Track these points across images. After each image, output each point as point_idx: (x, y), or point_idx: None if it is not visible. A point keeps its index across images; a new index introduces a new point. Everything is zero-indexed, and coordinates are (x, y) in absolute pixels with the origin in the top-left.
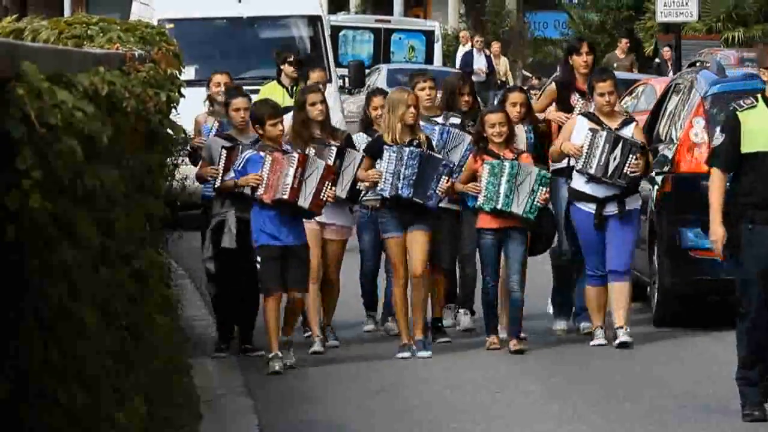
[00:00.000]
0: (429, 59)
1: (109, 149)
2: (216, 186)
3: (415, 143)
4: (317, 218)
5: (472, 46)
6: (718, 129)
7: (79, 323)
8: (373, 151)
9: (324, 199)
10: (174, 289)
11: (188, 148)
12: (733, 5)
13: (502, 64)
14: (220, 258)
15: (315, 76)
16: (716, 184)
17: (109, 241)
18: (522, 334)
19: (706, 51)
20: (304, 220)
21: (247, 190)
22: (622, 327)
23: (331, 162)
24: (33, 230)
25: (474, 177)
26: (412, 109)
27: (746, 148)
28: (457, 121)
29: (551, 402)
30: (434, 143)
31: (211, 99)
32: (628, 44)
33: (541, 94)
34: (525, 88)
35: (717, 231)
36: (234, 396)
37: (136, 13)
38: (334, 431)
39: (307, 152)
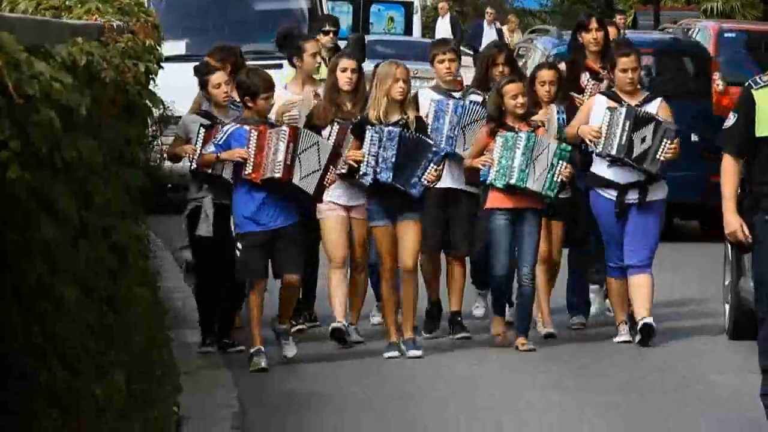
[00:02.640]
0: (408, 31)
1: (87, 120)
2: (192, 167)
3: (401, 123)
4: (340, 201)
5: (484, 19)
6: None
7: (59, 298)
8: (358, 131)
9: (327, 184)
10: (153, 261)
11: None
12: None
13: (517, 40)
14: (197, 247)
15: (309, 46)
16: (728, 171)
17: (88, 214)
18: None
19: (686, 21)
20: (329, 207)
21: (227, 174)
22: (645, 317)
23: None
24: (11, 203)
25: (484, 154)
26: (401, 84)
27: (761, 131)
28: (478, 99)
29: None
30: (447, 119)
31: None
32: (623, 21)
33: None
34: None
35: (731, 221)
36: (213, 369)
37: None
38: (315, 400)
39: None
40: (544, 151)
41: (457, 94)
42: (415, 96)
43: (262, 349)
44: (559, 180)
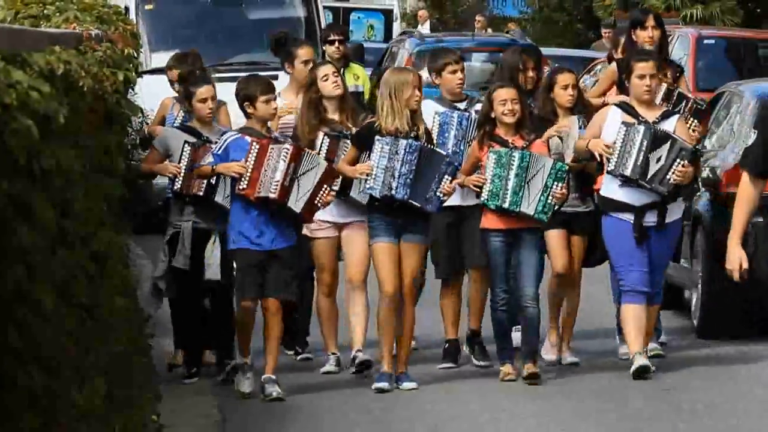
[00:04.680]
0: (388, 39)
1: (65, 129)
2: (175, 187)
3: (412, 135)
4: (333, 218)
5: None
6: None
7: (38, 305)
8: (364, 140)
9: (319, 205)
10: (133, 269)
11: (146, 133)
12: None
13: None
14: (175, 275)
15: (302, 53)
16: (743, 194)
17: (67, 222)
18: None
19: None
20: (319, 225)
21: (219, 197)
22: (640, 352)
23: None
24: None
25: (478, 168)
26: (417, 92)
27: None
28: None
29: None
30: (452, 133)
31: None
32: (610, 34)
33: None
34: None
35: (734, 253)
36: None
37: None
38: (295, 408)
39: (301, 144)
40: (540, 170)
41: (461, 105)
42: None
43: (248, 362)
44: (553, 203)
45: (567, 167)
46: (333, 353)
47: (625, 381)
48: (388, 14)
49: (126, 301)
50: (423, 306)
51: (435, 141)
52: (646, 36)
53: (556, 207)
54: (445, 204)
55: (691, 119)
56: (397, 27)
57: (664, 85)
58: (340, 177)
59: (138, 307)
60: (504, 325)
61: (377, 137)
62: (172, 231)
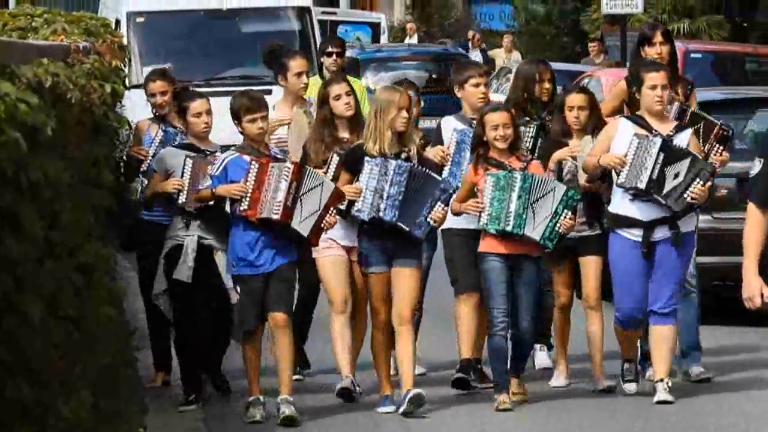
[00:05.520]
0: None
1: (53, 141)
2: (180, 201)
3: (403, 156)
4: (341, 241)
5: (468, 41)
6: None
7: (26, 317)
8: (352, 163)
9: (325, 227)
10: (120, 281)
11: (123, 157)
12: None
13: (514, 60)
14: (176, 291)
15: (295, 65)
16: (752, 223)
17: (55, 234)
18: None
19: None
20: (328, 244)
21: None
22: (662, 380)
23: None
24: None
25: (474, 194)
26: (404, 114)
27: None
28: None
29: None
30: (468, 152)
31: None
32: (597, 47)
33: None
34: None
35: (751, 284)
36: (179, 388)
37: (104, 5)
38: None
39: (302, 161)
40: (549, 194)
41: None
42: (438, 126)
43: (261, 399)
44: (560, 230)
45: (579, 196)
46: (347, 376)
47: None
48: (375, 27)
49: (113, 313)
50: (433, 329)
51: (451, 160)
52: (654, 53)
53: (563, 234)
54: (459, 226)
55: (717, 145)
56: (384, 40)
57: (677, 104)
58: (346, 198)
59: (124, 319)
60: (502, 350)
61: (366, 158)
62: (172, 244)
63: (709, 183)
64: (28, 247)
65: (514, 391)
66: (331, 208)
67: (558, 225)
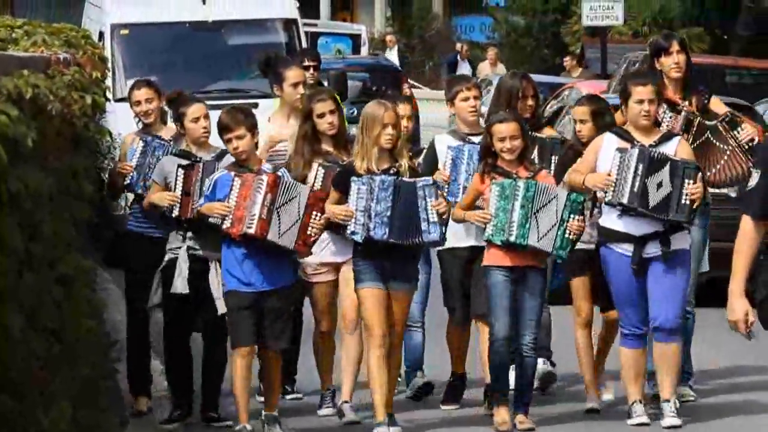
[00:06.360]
0: None
1: (33, 152)
2: (175, 214)
3: (392, 171)
4: (332, 258)
5: (458, 53)
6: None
7: (5, 329)
8: (342, 183)
9: (313, 234)
10: (100, 293)
11: (115, 174)
12: (659, 9)
13: (497, 73)
14: (170, 305)
15: (292, 75)
16: (745, 237)
17: (35, 246)
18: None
19: (633, 54)
20: (325, 259)
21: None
22: (669, 401)
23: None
24: None
25: (478, 200)
26: (389, 130)
27: None
28: None
29: None
30: (463, 168)
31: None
32: (570, 62)
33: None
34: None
35: (735, 307)
36: (159, 400)
37: (88, 17)
38: None
39: (280, 173)
40: (552, 202)
41: (476, 139)
42: (432, 145)
43: (248, 427)
44: (570, 237)
45: (583, 198)
46: (328, 389)
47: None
48: (355, 39)
49: (93, 325)
50: (435, 348)
51: (448, 178)
52: (671, 62)
53: (574, 240)
54: (459, 245)
55: (734, 131)
56: (364, 52)
57: (684, 113)
58: (326, 200)
59: (105, 331)
60: (503, 365)
61: (353, 179)
62: (169, 257)
63: (699, 177)
64: (8, 259)
65: (520, 420)
66: (314, 212)
67: (567, 232)
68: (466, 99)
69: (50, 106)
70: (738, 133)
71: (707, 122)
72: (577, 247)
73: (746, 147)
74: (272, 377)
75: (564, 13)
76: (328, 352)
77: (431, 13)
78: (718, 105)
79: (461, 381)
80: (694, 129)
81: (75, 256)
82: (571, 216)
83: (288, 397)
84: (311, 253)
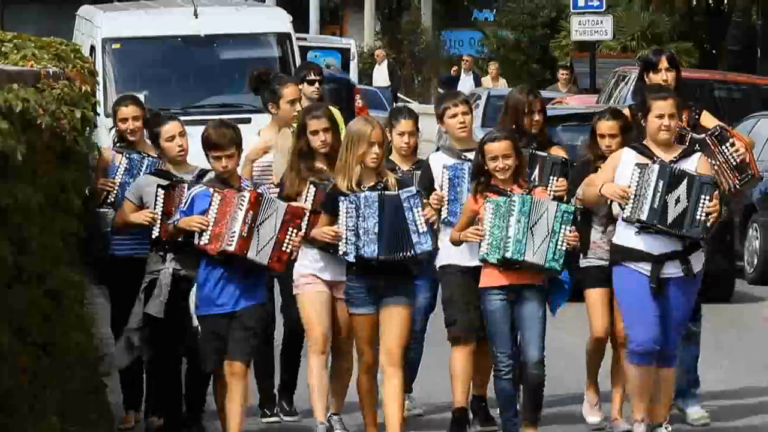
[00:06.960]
0: None
1: (23, 166)
2: (154, 235)
3: (379, 187)
4: (323, 276)
5: (460, 67)
6: None
7: None
8: (330, 204)
9: (288, 251)
10: (89, 307)
11: (96, 189)
12: (647, 24)
13: (499, 87)
14: (151, 326)
15: (288, 92)
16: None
17: (24, 259)
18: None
19: (621, 69)
20: (309, 280)
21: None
22: (661, 425)
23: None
24: None
25: (474, 222)
26: (376, 149)
27: None
28: None
29: None
30: (465, 186)
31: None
32: (566, 75)
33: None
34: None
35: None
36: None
37: (80, 31)
38: None
39: (261, 190)
40: (543, 214)
41: (472, 155)
42: (426, 164)
43: None
44: (564, 248)
45: (573, 208)
46: (321, 423)
47: None
48: (345, 53)
49: (82, 338)
50: (430, 367)
51: (446, 198)
52: (659, 79)
53: (568, 253)
54: (461, 264)
55: (721, 147)
56: (354, 66)
57: (676, 129)
58: (306, 215)
59: (93, 345)
60: (510, 394)
61: (340, 198)
62: (149, 278)
63: (717, 194)
64: None
65: None
66: (290, 228)
67: (560, 242)
68: (455, 115)
69: (40, 120)
70: (727, 148)
71: (695, 135)
72: (594, 264)
73: (734, 163)
74: (234, 396)
75: (553, 28)
76: (322, 379)
77: (420, 28)
78: (709, 119)
79: (465, 418)
80: (687, 144)
81: (64, 270)
82: (563, 227)
83: (286, 418)
84: (284, 269)
